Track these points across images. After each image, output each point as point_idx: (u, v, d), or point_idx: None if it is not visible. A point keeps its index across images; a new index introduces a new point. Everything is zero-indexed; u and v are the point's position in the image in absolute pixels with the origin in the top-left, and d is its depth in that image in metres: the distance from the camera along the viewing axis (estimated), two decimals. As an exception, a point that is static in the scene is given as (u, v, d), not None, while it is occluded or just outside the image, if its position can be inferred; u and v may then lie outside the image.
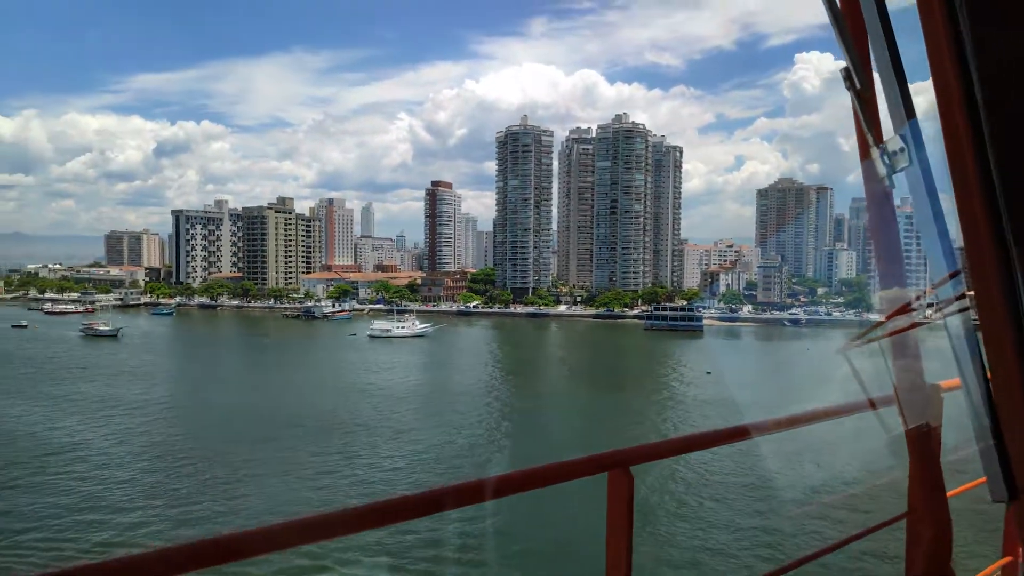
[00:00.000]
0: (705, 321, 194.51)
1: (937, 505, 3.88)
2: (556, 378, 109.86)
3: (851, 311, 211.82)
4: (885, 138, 2.00)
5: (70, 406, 79.95)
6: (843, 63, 2.27)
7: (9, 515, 45.10)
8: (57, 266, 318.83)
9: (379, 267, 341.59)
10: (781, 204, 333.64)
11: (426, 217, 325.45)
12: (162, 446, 63.22)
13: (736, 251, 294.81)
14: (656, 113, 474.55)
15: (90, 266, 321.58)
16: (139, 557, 1.78)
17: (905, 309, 2.70)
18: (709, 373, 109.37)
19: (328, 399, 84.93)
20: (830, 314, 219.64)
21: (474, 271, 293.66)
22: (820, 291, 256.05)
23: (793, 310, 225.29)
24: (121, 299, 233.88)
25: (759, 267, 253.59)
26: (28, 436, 66.55)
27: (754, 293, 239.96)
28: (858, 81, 2.24)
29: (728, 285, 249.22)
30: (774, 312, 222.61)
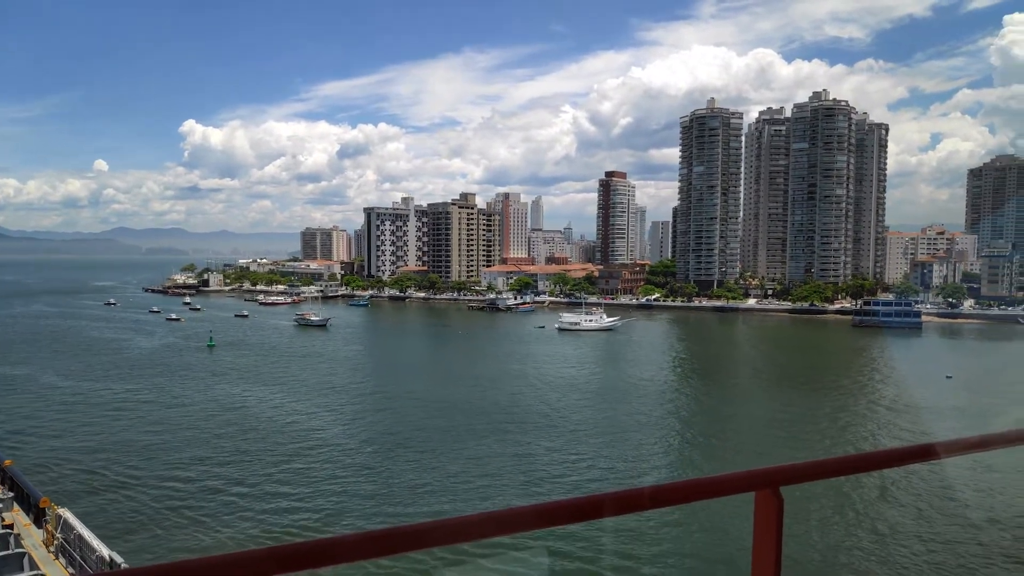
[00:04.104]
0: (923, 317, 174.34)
1: None
2: (770, 382, 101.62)
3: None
4: None
5: (300, 391, 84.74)
6: None
7: (289, 484, 47.22)
8: (264, 260, 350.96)
9: (551, 259, 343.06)
10: (999, 185, 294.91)
11: (599, 208, 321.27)
12: (387, 434, 64.34)
13: (948, 239, 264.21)
14: (839, 91, 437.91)
15: (289, 260, 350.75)
16: (329, 540, 1.92)
17: None
18: (950, 378, 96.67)
19: (535, 394, 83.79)
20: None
21: (651, 263, 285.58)
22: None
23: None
24: (322, 291, 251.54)
25: (983, 256, 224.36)
26: (268, 418, 70.65)
27: (976, 286, 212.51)
28: None
29: (945, 277, 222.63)
30: (1004, 308, 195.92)
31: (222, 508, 45.65)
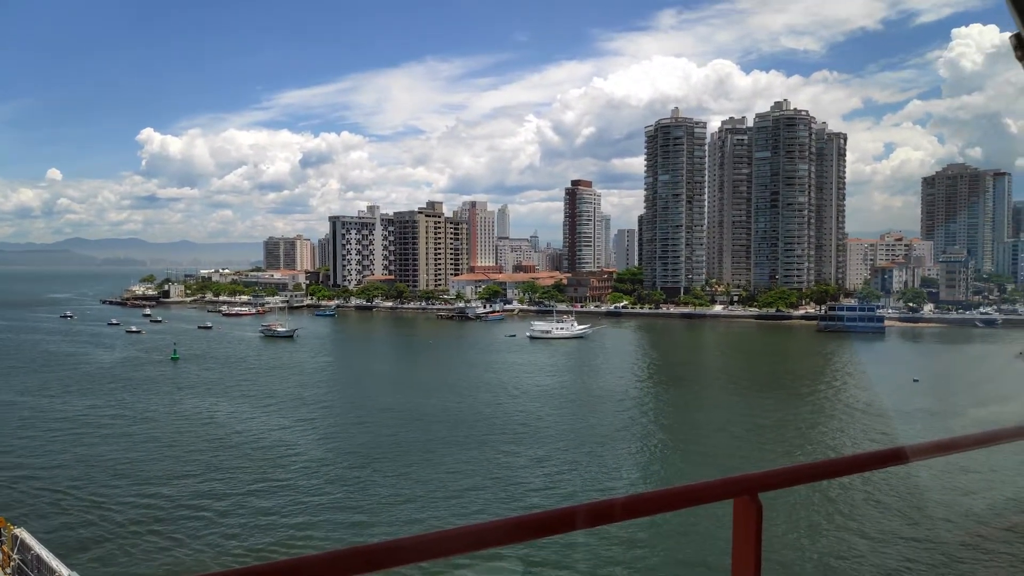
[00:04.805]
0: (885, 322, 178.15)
1: None
2: (744, 387, 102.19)
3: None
4: None
5: (270, 404, 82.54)
6: (1013, 30, 1.98)
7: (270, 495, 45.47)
8: (226, 271, 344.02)
9: (518, 268, 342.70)
10: (951, 192, 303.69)
11: (565, 217, 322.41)
12: (362, 447, 62.82)
13: (906, 245, 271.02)
14: (795, 101, 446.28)
15: (252, 271, 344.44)
16: (304, 559, 1.84)
17: None
18: (917, 381, 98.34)
19: (512, 404, 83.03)
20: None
21: (617, 271, 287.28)
22: (1009, 287, 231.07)
23: (984, 309, 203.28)
24: (287, 301, 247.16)
25: (941, 262, 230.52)
26: (238, 432, 68.46)
27: (935, 291, 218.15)
28: None
29: (905, 282, 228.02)
30: (961, 311, 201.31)
31: (191, 526, 43.93)
